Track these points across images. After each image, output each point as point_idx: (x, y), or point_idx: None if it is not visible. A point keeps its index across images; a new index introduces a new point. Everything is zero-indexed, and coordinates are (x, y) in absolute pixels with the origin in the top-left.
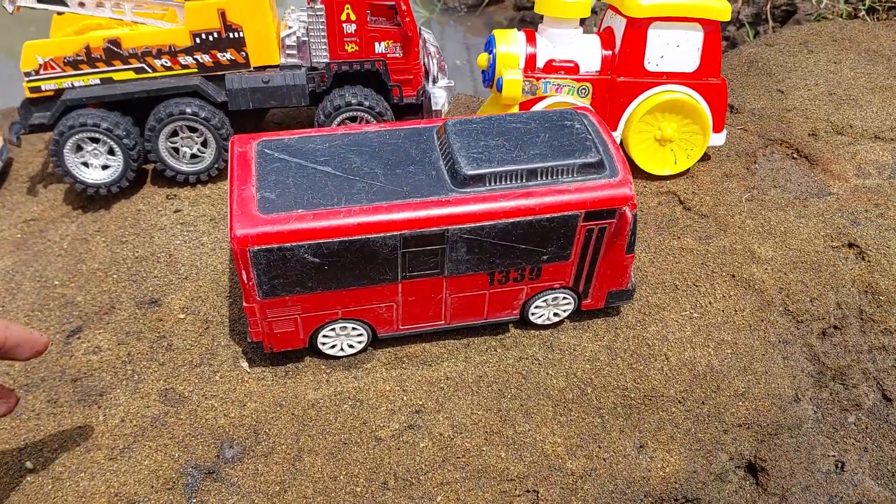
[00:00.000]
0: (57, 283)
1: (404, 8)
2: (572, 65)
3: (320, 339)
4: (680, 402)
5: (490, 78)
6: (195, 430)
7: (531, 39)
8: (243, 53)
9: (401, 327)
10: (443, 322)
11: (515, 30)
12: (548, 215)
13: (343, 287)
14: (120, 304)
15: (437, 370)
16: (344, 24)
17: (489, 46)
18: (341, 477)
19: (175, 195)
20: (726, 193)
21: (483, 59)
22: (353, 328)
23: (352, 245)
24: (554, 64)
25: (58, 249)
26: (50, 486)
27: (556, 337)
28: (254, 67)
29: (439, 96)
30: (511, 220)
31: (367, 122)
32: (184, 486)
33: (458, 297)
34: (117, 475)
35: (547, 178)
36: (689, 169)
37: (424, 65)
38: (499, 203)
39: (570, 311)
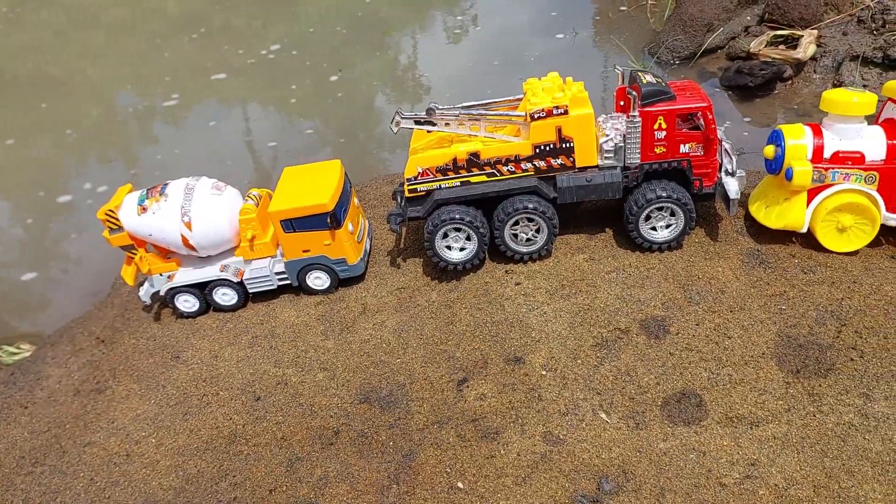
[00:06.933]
0: (436, 340)
1: (710, 117)
2: (858, 155)
3: None
4: None
5: (777, 167)
6: (576, 467)
7: (817, 132)
8: (571, 159)
9: None
10: None
11: (801, 124)
12: None
13: None
14: (491, 360)
15: (765, 430)
16: (655, 132)
17: (776, 140)
18: None
19: (512, 270)
20: None
21: (770, 150)
22: None
23: None
24: (840, 155)
25: (429, 313)
26: (478, 503)
27: (870, 406)
28: (577, 169)
29: (732, 185)
30: None
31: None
32: None
33: None
34: (525, 497)
35: None
36: None
37: (719, 159)
38: None
39: None
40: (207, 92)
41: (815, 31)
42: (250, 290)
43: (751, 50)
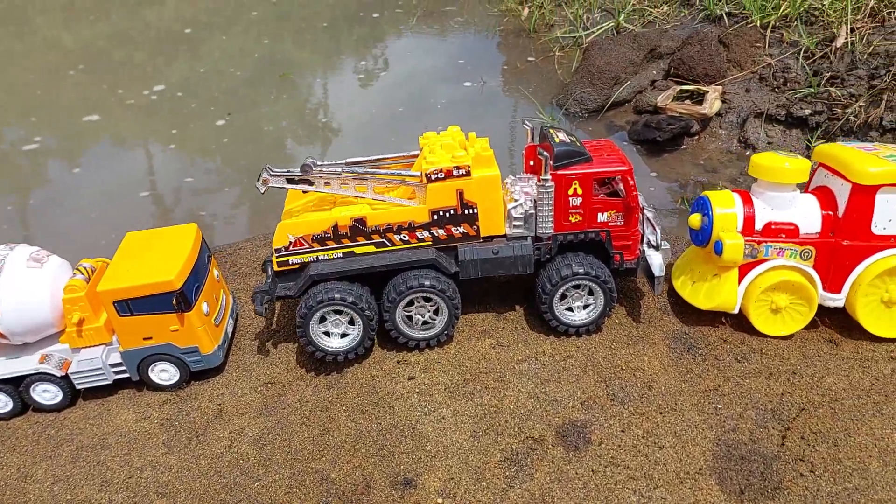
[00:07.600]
0: (307, 455)
1: (631, 182)
2: (792, 227)
3: None
4: None
5: (704, 238)
6: None
7: (747, 201)
8: (475, 227)
9: None
10: None
11: (729, 191)
12: None
13: None
14: (374, 483)
15: None
16: (570, 198)
17: (703, 208)
18: None
19: (406, 360)
20: None
21: (696, 219)
22: None
23: None
24: (773, 227)
25: (300, 417)
26: None
27: None
28: (482, 239)
29: (656, 260)
30: None
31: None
32: None
33: None
34: None
35: None
36: None
37: (641, 229)
38: None
39: None
40: (76, 135)
41: (720, 88)
42: (79, 386)
43: (658, 104)
